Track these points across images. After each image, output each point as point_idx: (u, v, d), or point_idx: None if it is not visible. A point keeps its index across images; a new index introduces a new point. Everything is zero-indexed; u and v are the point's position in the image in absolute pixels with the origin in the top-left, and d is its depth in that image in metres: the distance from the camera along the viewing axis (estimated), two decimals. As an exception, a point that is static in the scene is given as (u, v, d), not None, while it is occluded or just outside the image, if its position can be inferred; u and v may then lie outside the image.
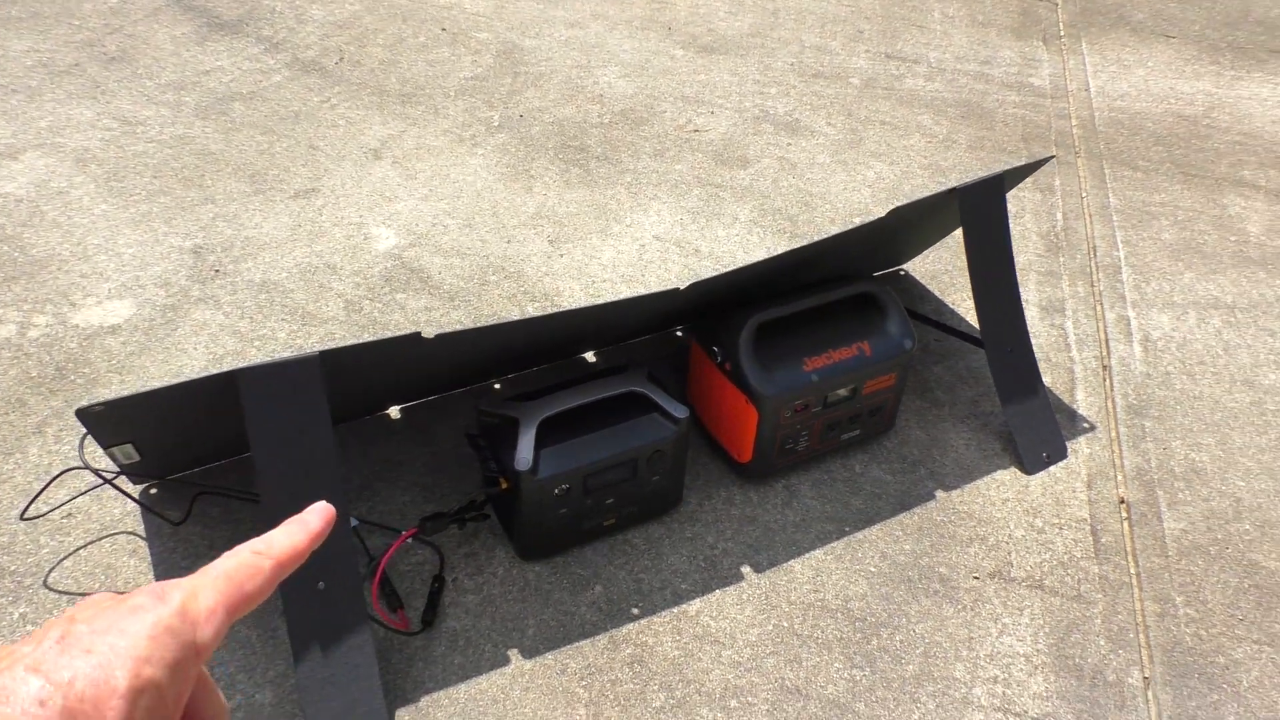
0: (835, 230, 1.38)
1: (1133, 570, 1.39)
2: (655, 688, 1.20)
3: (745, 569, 1.36)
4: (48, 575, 1.27)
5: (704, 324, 1.45)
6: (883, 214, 1.37)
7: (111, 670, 0.31)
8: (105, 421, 1.12)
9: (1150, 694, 1.24)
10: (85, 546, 1.30)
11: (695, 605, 1.30)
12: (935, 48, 2.89)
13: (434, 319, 1.74)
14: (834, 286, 1.45)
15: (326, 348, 1.09)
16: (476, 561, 1.33)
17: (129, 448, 1.21)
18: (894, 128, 2.46)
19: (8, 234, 1.84)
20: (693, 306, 1.47)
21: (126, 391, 1.11)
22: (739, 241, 2.00)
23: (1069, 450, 1.57)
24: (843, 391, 1.43)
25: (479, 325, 1.17)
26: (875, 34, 2.94)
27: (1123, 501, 1.49)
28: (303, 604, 1.12)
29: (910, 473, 1.52)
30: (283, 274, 1.81)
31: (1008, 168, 1.49)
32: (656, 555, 1.37)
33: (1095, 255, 2.04)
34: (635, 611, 1.29)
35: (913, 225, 1.59)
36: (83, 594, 1.26)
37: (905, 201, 1.39)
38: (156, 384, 1.23)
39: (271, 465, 1.09)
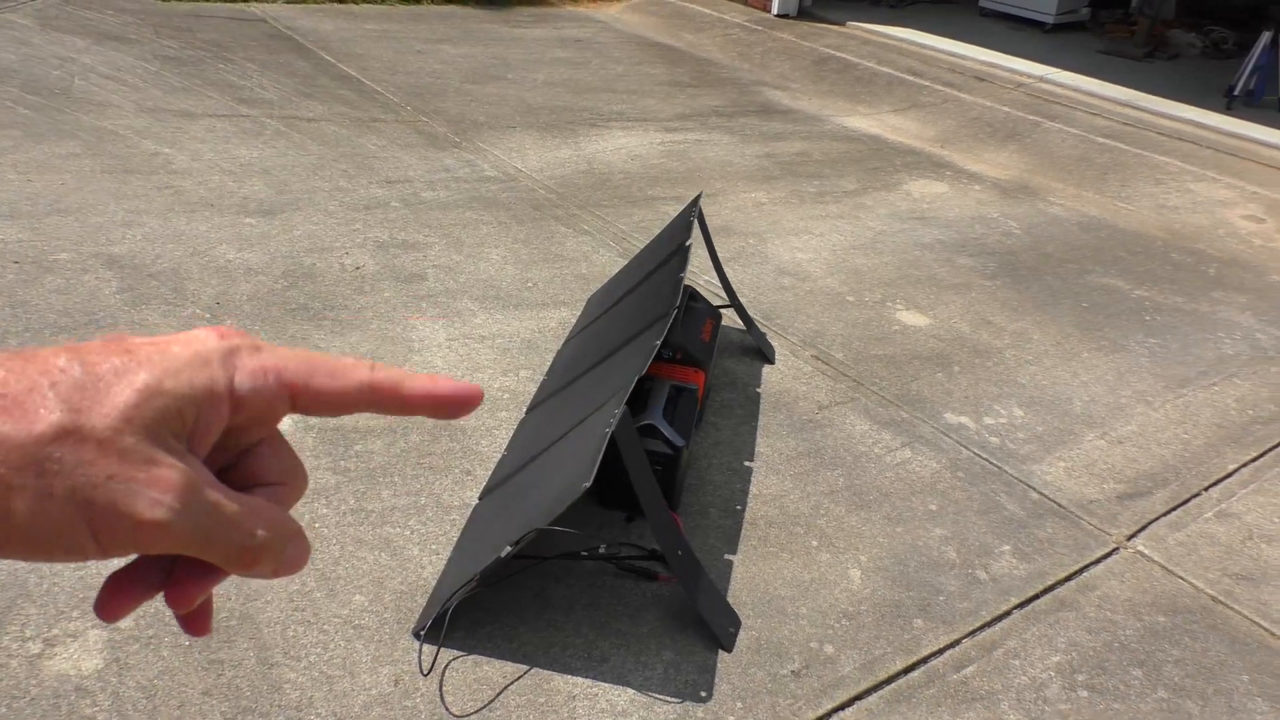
0: (675, 253, 2.25)
1: (851, 378, 2.58)
2: (820, 520, 1.99)
3: (748, 463, 2.18)
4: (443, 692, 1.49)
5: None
6: (685, 240, 2.29)
7: (138, 369, 0.33)
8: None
9: (911, 411, 2.45)
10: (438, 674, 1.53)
11: (755, 487, 2.10)
12: (406, 169, 3.67)
13: (414, 445, 2.07)
14: (682, 294, 2.31)
15: (624, 395, 1.63)
16: (644, 527, 1.91)
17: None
18: (463, 225, 3.23)
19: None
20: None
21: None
22: (497, 319, 2.63)
23: (774, 347, 2.69)
24: (714, 346, 2.32)
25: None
26: (357, 170, 3.59)
27: (815, 356, 2.67)
28: (676, 556, 1.65)
29: (736, 386, 2.47)
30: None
31: (694, 198, 2.52)
32: (707, 480, 2.10)
33: (656, 257, 3.17)
34: (739, 509, 2.03)
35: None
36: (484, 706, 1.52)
37: (693, 223, 2.32)
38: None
39: (643, 485, 1.60)
